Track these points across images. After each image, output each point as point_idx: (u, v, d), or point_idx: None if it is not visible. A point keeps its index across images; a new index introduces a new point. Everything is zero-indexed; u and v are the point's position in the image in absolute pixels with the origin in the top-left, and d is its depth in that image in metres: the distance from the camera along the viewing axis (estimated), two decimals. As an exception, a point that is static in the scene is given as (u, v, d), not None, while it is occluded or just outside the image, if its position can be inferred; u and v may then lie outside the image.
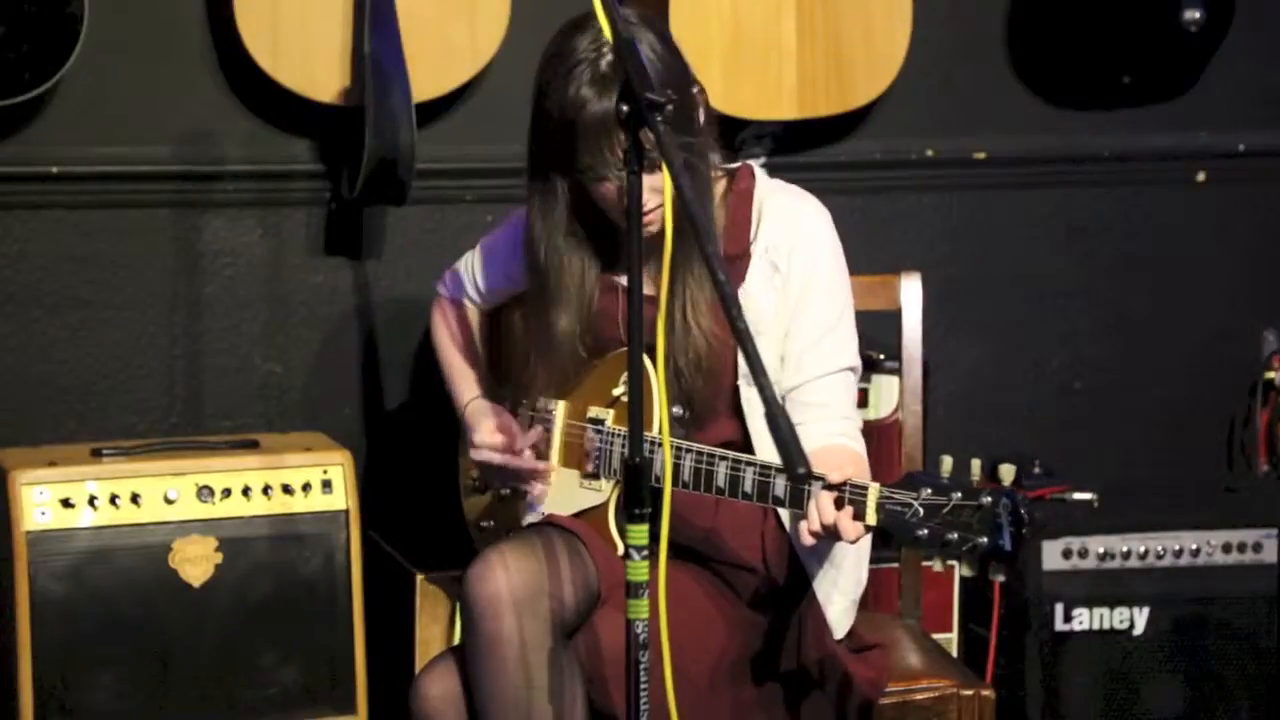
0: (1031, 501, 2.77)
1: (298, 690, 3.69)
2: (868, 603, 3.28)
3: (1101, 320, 4.55)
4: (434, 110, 4.04)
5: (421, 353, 3.99)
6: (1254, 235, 4.60)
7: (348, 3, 3.87)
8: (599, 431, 3.20)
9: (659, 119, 2.63)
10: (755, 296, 3.14)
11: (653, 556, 2.70)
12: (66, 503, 3.57)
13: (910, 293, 3.62)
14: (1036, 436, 4.47)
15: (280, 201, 4.08)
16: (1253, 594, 4.01)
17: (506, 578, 3.00)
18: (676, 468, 3.04)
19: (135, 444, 3.76)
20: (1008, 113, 4.45)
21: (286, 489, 3.67)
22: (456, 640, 3.39)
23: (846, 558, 3.17)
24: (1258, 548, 4.05)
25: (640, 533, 2.70)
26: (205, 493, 3.64)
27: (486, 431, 3.32)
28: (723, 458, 3.02)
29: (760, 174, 3.24)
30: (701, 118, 3.13)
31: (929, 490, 2.79)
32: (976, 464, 2.81)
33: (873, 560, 3.27)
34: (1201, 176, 4.56)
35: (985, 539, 2.75)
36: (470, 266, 3.49)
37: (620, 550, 3.11)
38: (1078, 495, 4.10)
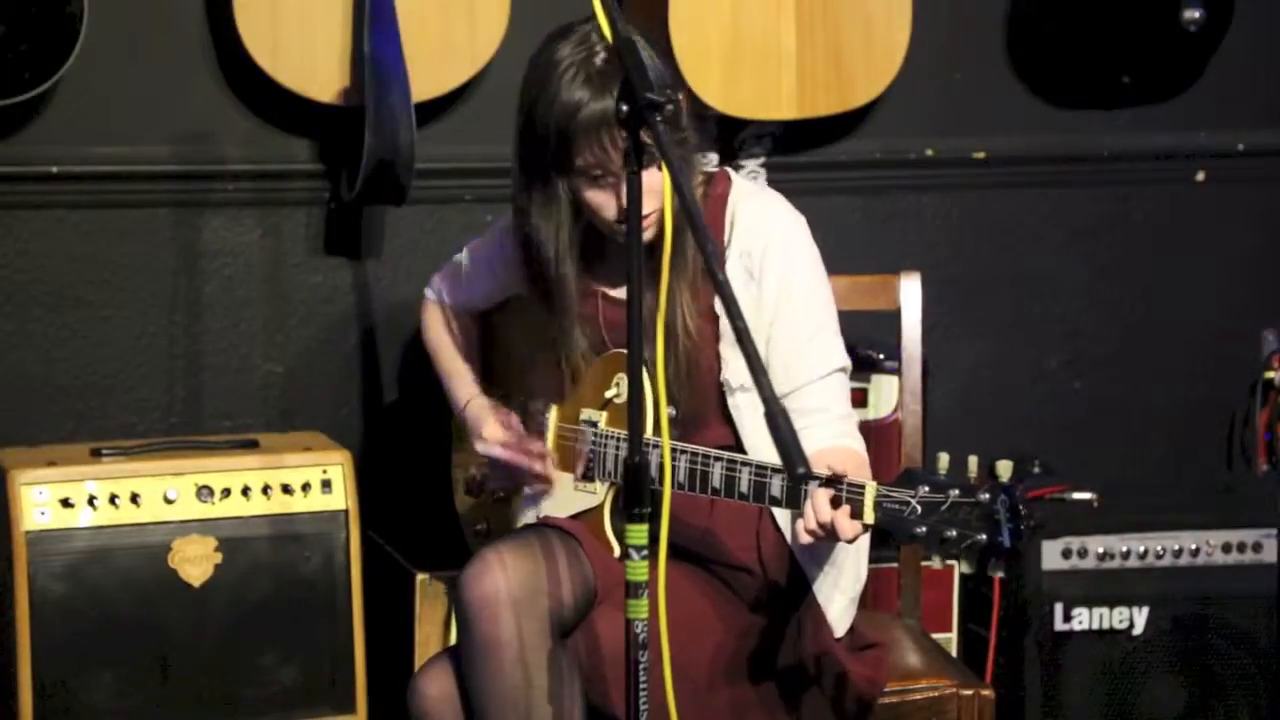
0: (1031, 503, 2.77)
1: (297, 690, 3.69)
2: (867, 602, 3.28)
3: (1101, 320, 4.55)
4: (434, 110, 4.04)
5: (421, 353, 3.97)
6: (1254, 235, 4.60)
7: (348, 3, 3.87)
8: (593, 434, 3.20)
9: (659, 119, 2.63)
10: None
11: (652, 557, 2.70)
12: (66, 503, 3.57)
13: (910, 293, 3.62)
14: (1036, 436, 4.47)
15: (280, 201, 4.08)
16: (1253, 594, 4.01)
17: (504, 578, 3.00)
18: (672, 469, 3.03)
19: (135, 444, 3.76)
20: (1008, 113, 4.45)
21: (286, 489, 3.67)
22: (452, 641, 3.39)
23: (846, 555, 3.17)
24: (1258, 548, 4.05)
25: (640, 532, 2.70)
26: (205, 493, 3.64)
27: (493, 427, 3.32)
28: (717, 458, 3.02)
29: (736, 179, 3.23)
30: (685, 123, 3.12)
31: (926, 488, 2.79)
32: (974, 461, 2.81)
33: (872, 560, 3.27)
34: (1201, 176, 4.56)
35: (984, 535, 2.75)
36: (458, 272, 3.49)
37: (616, 552, 3.11)
38: (1077, 495, 4.09)
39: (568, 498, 3.23)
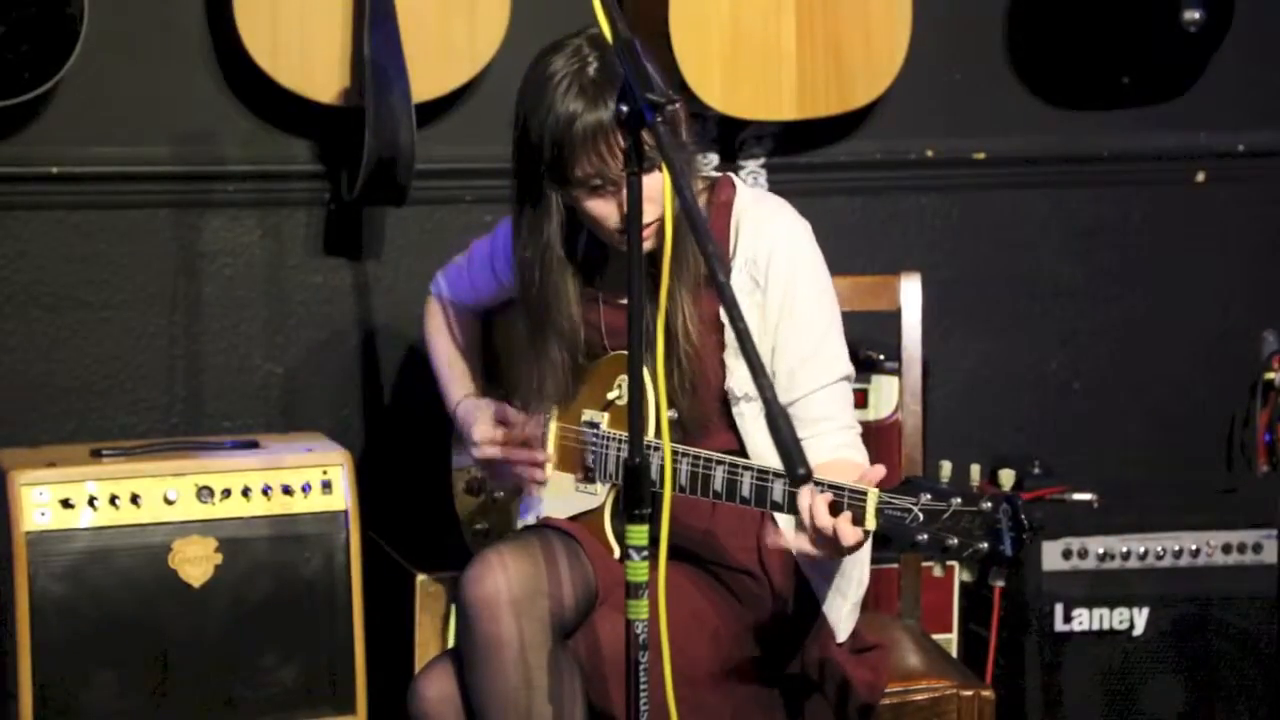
0: (1031, 506, 2.77)
1: (297, 690, 3.69)
2: (868, 604, 3.28)
3: (1101, 320, 4.55)
4: (434, 110, 4.04)
5: (421, 353, 3.98)
6: (1254, 235, 4.60)
7: (348, 3, 3.87)
8: (594, 435, 3.20)
9: (659, 119, 2.62)
10: None
11: (652, 559, 2.70)
12: (66, 503, 3.57)
13: (910, 293, 3.62)
14: (1036, 436, 4.47)
15: (280, 202, 4.08)
16: (1253, 594, 4.01)
17: (505, 578, 3.00)
18: (674, 471, 3.03)
19: (135, 444, 3.76)
20: (1008, 113, 4.45)
21: (286, 489, 3.67)
22: (451, 641, 3.39)
23: (849, 561, 3.16)
24: (1258, 548, 4.05)
25: (640, 533, 2.70)
26: (205, 493, 3.64)
27: (484, 426, 3.31)
28: (719, 462, 3.01)
29: (740, 185, 3.22)
30: (684, 130, 3.12)
31: (928, 495, 2.78)
32: (976, 469, 2.80)
33: (873, 561, 3.26)
34: (1201, 176, 4.56)
35: (985, 544, 2.74)
36: (463, 268, 3.49)
37: (616, 554, 3.11)
38: (1077, 495, 4.08)
39: (568, 499, 3.22)
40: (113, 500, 3.59)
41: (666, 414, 2.99)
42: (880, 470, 2.87)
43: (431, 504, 3.67)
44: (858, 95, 4.14)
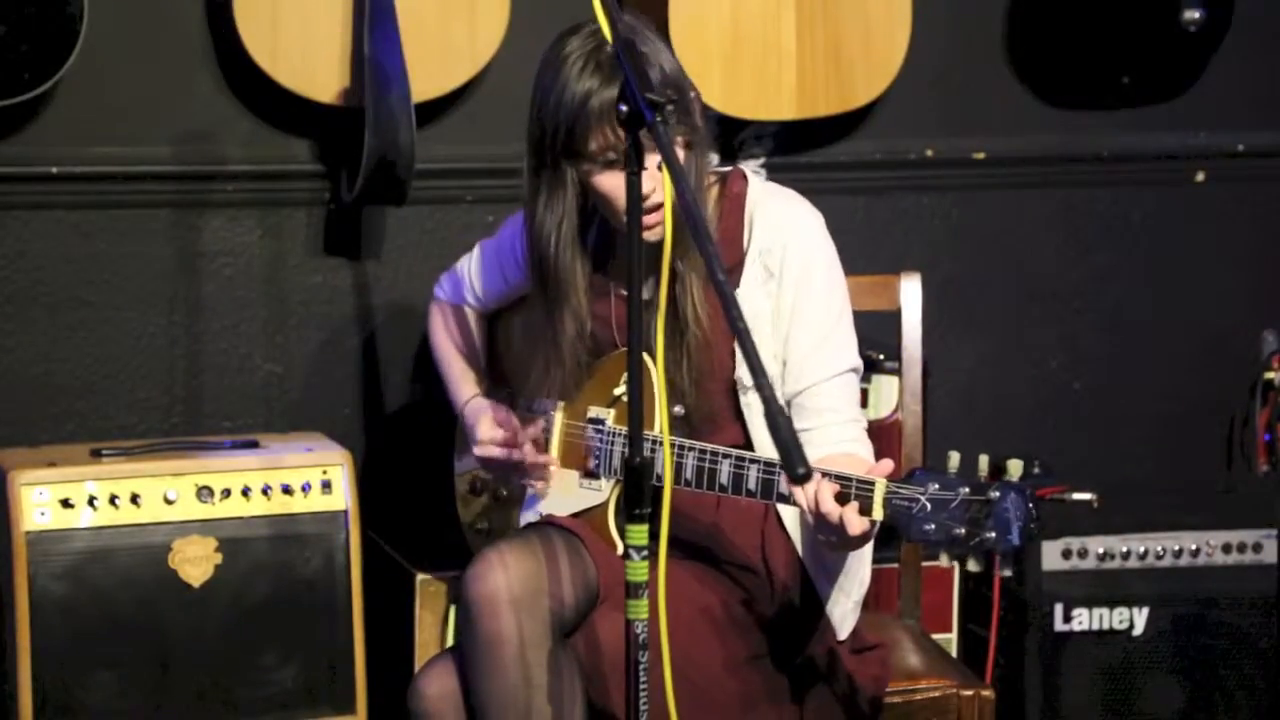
0: (1039, 496, 2.77)
1: (298, 690, 3.69)
2: (868, 603, 3.28)
3: (1101, 320, 4.55)
4: (434, 110, 4.04)
5: (421, 353, 3.99)
6: (1254, 235, 4.60)
7: (348, 3, 3.87)
8: (599, 431, 3.21)
9: (659, 119, 2.63)
10: (750, 302, 3.14)
11: (653, 556, 2.70)
12: (66, 503, 3.57)
13: (910, 293, 3.62)
14: (1036, 436, 4.47)
15: (280, 202, 4.08)
16: (1253, 594, 4.01)
17: (505, 577, 3.00)
18: (679, 466, 3.04)
19: (135, 444, 3.76)
20: (1007, 113, 4.45)
21: (286, 489, 3.67)
22: (451, 642, 3.39)
23: (851, 558, 3.17)
24: (1258, 548, 4.05)
25: (640, 532, 2.70)
26: (205, 493, 3.64)
27: (488, 427, 3.32)
28: (725, 455, 3.02)
29: (753, 178, 3.23)
30: (699, 120, 3.13)
31: (936, 485, 2.78)
32: (984, 460, 2.80)
33: (873, 560, 3.27)
34: (1201, 176, 4.56)
35: (993, 534, 2.74)
36: (468, 269, 3.49)
37: (620, 550, 3.11)
38: (1077, 495, 4.07)
39: (573, 495, 3.23)
40: (113, 500, 3.59)
41: (668, 411, 3.00)
42: (888, 464, 2.88)
43: (431, 504, 3.67)
44: (858, 95, 4.14)
